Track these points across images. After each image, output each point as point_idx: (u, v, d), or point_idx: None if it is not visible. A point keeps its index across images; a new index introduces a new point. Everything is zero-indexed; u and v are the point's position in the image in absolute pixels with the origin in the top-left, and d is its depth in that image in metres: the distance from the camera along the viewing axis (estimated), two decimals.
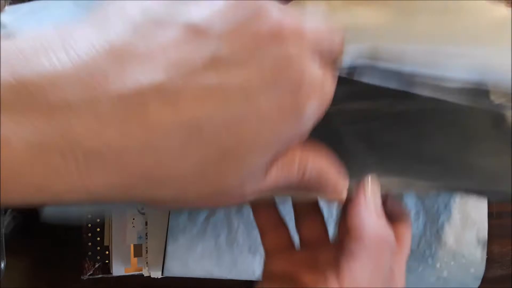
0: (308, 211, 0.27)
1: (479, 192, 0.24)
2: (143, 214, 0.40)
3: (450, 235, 0.41)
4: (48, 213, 0.24)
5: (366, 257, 0.21)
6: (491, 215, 0.43)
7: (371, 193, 0.22)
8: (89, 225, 0.40)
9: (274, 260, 0.26)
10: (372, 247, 0.21)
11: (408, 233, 0.26)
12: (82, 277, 0.40)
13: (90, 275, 0.40)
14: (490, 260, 0.44)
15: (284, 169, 0.19)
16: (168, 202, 0.16)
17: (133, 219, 0.40)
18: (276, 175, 0.18)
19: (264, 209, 0.27)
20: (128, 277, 0.41)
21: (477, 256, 0.42)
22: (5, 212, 0.37)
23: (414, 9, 0.32)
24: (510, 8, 0.32)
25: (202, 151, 0.15)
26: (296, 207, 0.27)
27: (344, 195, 0.22)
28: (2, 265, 0.36)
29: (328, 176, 0.20)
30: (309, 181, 0.20)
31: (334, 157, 0.21)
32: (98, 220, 0.40)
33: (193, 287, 0.41)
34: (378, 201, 0.22)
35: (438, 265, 0.41)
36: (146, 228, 0.39)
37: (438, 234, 0.41)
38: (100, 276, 0.40)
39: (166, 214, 0.38)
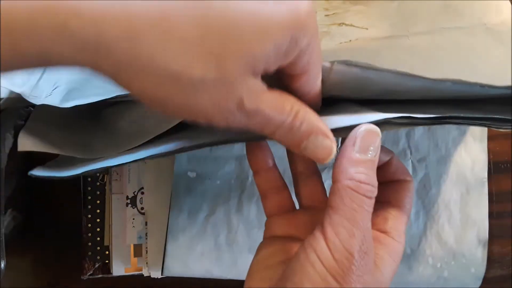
0: (308, 174, 0.27)
1: (483, 121, 0.24)
2: (143, 214, 0.40)
3: (450, 235, 0.41)
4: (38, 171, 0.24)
5: (342, 209, 0.21)
6: (491, 215, 0.43)
7: (361, 143, 0.22)
8: (89, 225, 0.40)
9: (275, 223, 0.27)
10: (347, 199, 0.21)
11: (409, 197, 0.26)
12: (82, 277, 0.40)
13: (90, 275, 0.40)
14: (490, 260, 0.43)
15: (278, 100, 0.20)
16: (167, 75, 0.17)
17: (133, 219, 0.40)
18: (271, 101, 0.19)
19: (265, 172, 0.27)
20: (128, 277, 0.41)
21: (477, 256, 0.42)
22: (5, 212, 0.37)
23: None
24: None
25: (204, 13, 0.16)
26: (295, 171, 0.27)
27: (334, 152, 0.22)
28: (2, 265, 0.36)
29: (320, 129, 0.21)
30: (300, 128, 0.21)
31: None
32: (98, 220, 0.40)
33: (193, 287, 0.41)
34: (373, 151, 0.22)
35: (438, 265, 0.41)
36: (146, 228, 0.39)
37: (438, 234, 0.41)
38: (100, 276, 0.40)
39: (166, 214, 0.38)
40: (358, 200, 0.21)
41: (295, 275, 0.22)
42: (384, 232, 0.25)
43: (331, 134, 0.22)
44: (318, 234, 0.22)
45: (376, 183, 0.22)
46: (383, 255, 0.24)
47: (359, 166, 0.22)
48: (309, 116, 0.21)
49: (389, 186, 0.26)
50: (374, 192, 0.22)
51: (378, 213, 0.25)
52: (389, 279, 0.24)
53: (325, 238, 0.21)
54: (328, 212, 0.22)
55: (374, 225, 0.25)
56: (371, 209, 0.22)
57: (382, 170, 0.25)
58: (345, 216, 0.21)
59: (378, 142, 0.22)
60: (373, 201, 0.22)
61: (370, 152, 0.22)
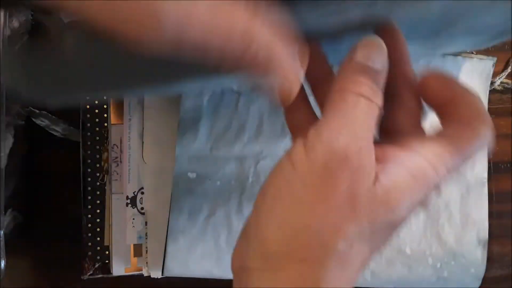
0: (325, 79, 0.23)
1: None
2: (143, 214, 0.40)
3: (450, 235, 0.41)
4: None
5: (331, 110, 0.19)
6: (491, 215, 0.43)
7: (363, 60, 0.19)
8: (89, 225, 0.40)
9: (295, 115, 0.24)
10: (338, 99, 0.19)
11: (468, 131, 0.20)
12: (82, 277, 0.40)
13: (90, 275, 0.40)
14: (490, 260, 0.44)
15: (225, 25, 0.16)
16: None
17: (133, 219, 0.40)
18: (219, 25, 0.16)
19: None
20: (128, 277, 0.41)
21: (477, 256, 0.42)
22: (5, 212, 0.37)
23: None
24: None
25: None
26: (310, 77, 0.23)
27: (293, 91, 0.19)
28: (2, 265, 0.36)
29: (281, 59, 0.18)
30: (256, 58, 0.17)
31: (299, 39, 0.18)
32: (98, 220, 0.40)
33: (193, 287, 0.41)
34: (377, 63, 0.19)
35: (438, 265, 0.41)
36: (146, 228, 0.39)
37: (438, 234, 0.41)
38: (100, 276, 0.40)
39: (166, 214, 0.38)
40: (352, 98, 0.19)
41: (267, 182, 0.20)
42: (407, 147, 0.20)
43: (294, 70, 0.19)
44: (299, 139, 0.19)
45: (379, 92, 0.19)
46: (392, 167, 0.19)
47: (357, 71, 0.19)
48: (267, 41, 0.17)
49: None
50: (375, 96, 0.19)
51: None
52: (399, 194, 0.19)
53: (305, 139, 0.19)
54: (317, 123, 0.19)
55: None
56: (371, 115, 0.19)
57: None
58: (332, 116, 0.19)
59: (381, 54, 0.20)
60: (374, 106, 0.19)
61: (373, 62, 0.19)
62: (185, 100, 0.37)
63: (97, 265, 0.40)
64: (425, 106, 0.22)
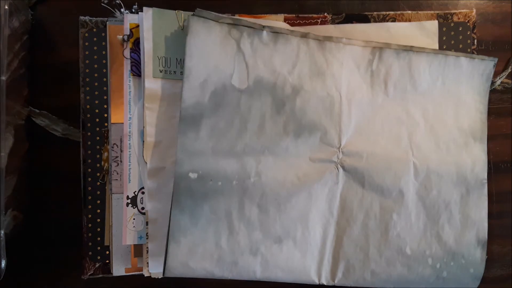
0: None
1: None
2: (143, 214, 0.40)
3: (450, 235, 0.41)
4: None
5: None
6: (491, 215, 0.43)
7: None
8: (89, 225, 0.40)
9: None
10: None
11: None
12: (82, 277, 0.40)
13: (90, 275, 0.40)
14: (490, 260, 0.44)
15: None
16: None
17: (133, 219, 0.40)
18: None
19: None
20: (128, 277, 0.41)
21: (476, 257, 0.42)
22: (5, 212, 0.37)
23: None
24: None
25: None
26: None
27: None
28: (2, 265, 0.36)
29: None
30: None
31: None
32: (99, 220, 0.40)
33: (193, 287, 0.41)
34: None
35: (438, 266, 0.41)
36: (147, 228, 0.39)
37: (438, 234, 0.41)
38: (100, 276, 0.40)
39: (166, 215, 0.38)
40: None
41: None
42: None
43: None
44: None
45: None
46: None
47: None
48: None
49: None
50: None
51: None
52: None
53: None
54: None
55: None
56: None
57: None
58: None
59: None
60: None
61: None
62: (185, 98, 0.37)
63: (97, 265, 0.40)
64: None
